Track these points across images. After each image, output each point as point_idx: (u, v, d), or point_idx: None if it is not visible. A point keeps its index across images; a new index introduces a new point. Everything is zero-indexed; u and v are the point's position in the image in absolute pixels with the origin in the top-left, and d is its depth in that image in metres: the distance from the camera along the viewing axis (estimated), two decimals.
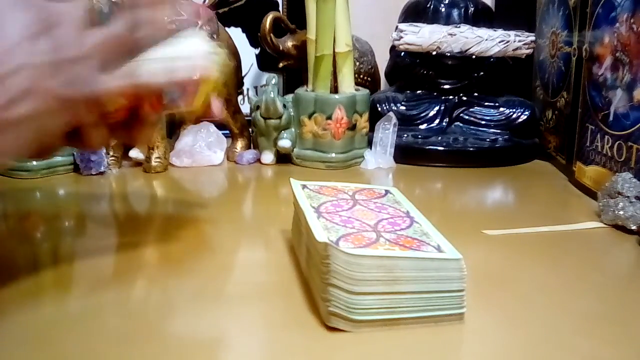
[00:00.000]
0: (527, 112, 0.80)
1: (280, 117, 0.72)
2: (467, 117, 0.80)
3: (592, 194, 0.60)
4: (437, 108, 0.80)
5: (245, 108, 0.85)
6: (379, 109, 0.79)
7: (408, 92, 0.82)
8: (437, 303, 0.34)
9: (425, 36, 0.78)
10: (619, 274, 0.45)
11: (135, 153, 0.72)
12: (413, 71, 0.82)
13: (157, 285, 0.40)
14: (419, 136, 0.78)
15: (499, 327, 0.35)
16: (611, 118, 0.59)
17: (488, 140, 0.78)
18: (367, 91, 0.77)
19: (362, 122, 0.75)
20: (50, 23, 0.22)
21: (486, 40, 0.78)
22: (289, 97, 0.75)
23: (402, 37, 0.78)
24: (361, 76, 0.87)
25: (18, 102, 0.21)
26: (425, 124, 0.80)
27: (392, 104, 0.80)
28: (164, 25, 0.28)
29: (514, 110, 0.80)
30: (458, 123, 0.80)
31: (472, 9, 0.83)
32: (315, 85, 0.74)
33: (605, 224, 0.53)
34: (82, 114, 0.24)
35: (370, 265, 0.33)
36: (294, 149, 0.74)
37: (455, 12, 0.82)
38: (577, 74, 0.67)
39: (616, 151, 0.58)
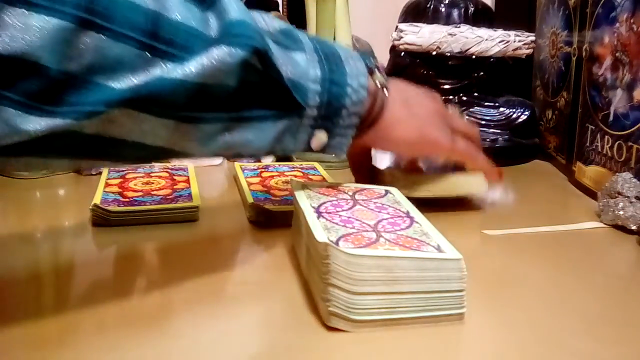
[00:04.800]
0: (527, 112, 0.80)
1: None
2: (467, 117, 0.80)
3: (592, 194, 0.60)
4: None
5: None
6: None
7: None
8: (437, 303, 0.34)
9: (425, 36, 0.78)
10: (619, 274, 0.45)
11: None
12: (413, 71, 0.82)
13: (157, 285, 0.40)
14: None
15: (498, 327, 0.35)
16: (611, 118, 0.59)
17: (488, 140, 0.78)
18: None
19: None
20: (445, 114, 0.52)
21: (486, 40, 0.78)
22: None
23: (402, 37, 0.78)
24: None
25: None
26: None
27: None
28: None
29: (514, 110, 0.80)
30: None
31: (472, 9, 0.83)
32: None
33: (605, 224, 0.53)
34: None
35: (370, 265, 0.33)
36: None
37: (455, 12, 0.82)
38: (577, 74, 0.67)
39: (616, 151, 0.58)
